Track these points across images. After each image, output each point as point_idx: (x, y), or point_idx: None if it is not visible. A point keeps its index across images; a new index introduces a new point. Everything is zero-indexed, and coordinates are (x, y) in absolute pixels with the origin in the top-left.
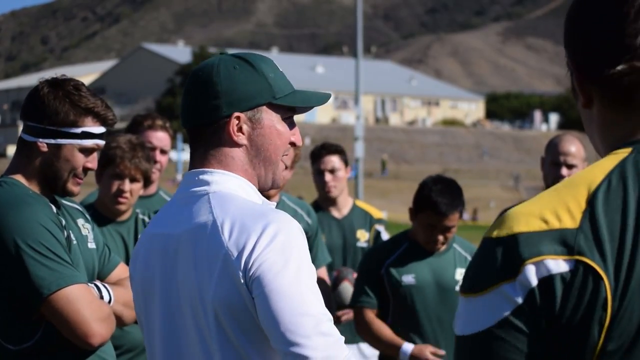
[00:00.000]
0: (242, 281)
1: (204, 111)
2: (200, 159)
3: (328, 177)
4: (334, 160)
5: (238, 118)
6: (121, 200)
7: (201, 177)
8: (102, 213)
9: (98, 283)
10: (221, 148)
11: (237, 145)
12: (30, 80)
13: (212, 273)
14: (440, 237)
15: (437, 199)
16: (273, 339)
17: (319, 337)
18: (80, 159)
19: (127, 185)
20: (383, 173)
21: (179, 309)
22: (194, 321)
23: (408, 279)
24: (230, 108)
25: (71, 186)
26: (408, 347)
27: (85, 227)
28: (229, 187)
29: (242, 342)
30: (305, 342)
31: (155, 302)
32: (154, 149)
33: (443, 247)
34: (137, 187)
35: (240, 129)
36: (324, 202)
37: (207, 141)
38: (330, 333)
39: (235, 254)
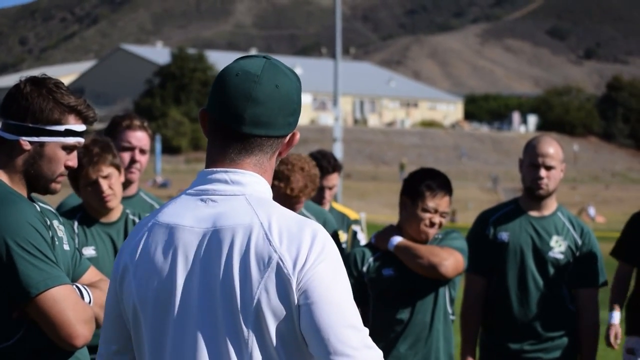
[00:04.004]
0: (294, 289)
1: (280, 125)
2: (236, 162)
3: (328, 193)
4: (336, 177)
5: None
6: (107, 199)
7: (232, 177)
8: (90, 214)
9: (79, 285)
10: (272, 159)
11: (280, 156)
12: (8, 81)
13: (259, 276)
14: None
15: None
16: (319, 348)
17: (366, 349)
18: (62, 157)
19: (103, 185)
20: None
21: (209, 306)
22: (229, 319)
23: (388, 272)
24: (295, 125)
25: (55, 185)
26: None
27: (60, 229)
28: (261, 190)
29: (277, 347)
30: (354, 354)
31: (175, 296)
32: (133, 148)
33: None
34: (114, 179)
35: None
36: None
37: (261, 150)
38: (374, 347)
39: (289, 261)
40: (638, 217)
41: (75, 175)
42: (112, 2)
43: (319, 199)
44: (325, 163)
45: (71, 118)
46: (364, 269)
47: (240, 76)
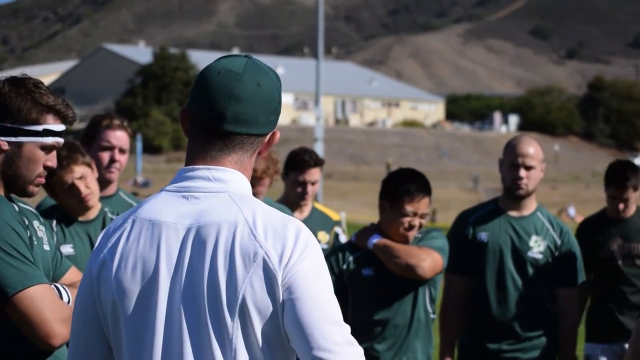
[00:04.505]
0: (279, 285)
1: (262, 124)
2: (217, 159)
3: (310, 189)
4: (317, 173)
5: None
6: (86, 199)
7: (214, 174)
8: (68, 214)
9: (57, 285)
10: (252, 157)
11: (260, 155)
12: None
13: (245, 271)
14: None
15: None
16: (302, 343)
17: (349, 346)
18: (41, 157)
19: (80, 186)
20: None
21: (193, 301)
22: (213, 314)
23: (367, 271)
24: (276, 124)
25: (32, 187)
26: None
27: (40, 229)
28: (242, 187)
29: (261, 343)
30: (337, 350)
31: (158, 292)
32: (112, 148)
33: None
34: (89, 177)
35: None
36: (288, 205)
37: (242, 149)
38: (356, 343)
39: (275, 257)
40: (584, 225)
41: (50, 183)
42: (94, 2)
43: (301, 194)
44: (307, 157)
45: (49, 118)
46: (344, 267)
47: (223, 74)
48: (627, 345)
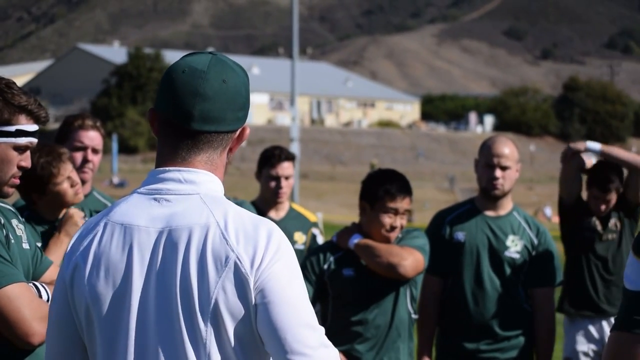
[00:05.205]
0: (251, 288)
1: (230, 120)
2: (187, 160)
3: (284, 183)
4: (289, 167)
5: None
6: (79, 190)
7: (186, 176)
8: (39, 214)
9: (36, 283)
10: (222, 155)
11: (231, 152)
12: None
13: (217, 275)
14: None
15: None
16: (275, 347)
17: (323, 348)
18: (14, 158)
19: (76, 178)
20: None
21: (166, 306)
22: (186, 319)
23: (348, 272)
24: (245, 120)
25: (7, 188)
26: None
27: (19, 227)
28: (214, 188)
29: (235, 347)
30: (311, 353)
31: (131, 296)
32: (85, 148)
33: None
34: (74, 172)
35: None
36: (264, 204)
37: (211, 147)
38: (331, 345)
39: (246, 261)
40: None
41: (45, 180)
42: (68, 2)
43: (275, 189)
44: (277, 152)
45: (22, 118)
46: (325, 267)
47: (187, 73)
48: (605, 324)
